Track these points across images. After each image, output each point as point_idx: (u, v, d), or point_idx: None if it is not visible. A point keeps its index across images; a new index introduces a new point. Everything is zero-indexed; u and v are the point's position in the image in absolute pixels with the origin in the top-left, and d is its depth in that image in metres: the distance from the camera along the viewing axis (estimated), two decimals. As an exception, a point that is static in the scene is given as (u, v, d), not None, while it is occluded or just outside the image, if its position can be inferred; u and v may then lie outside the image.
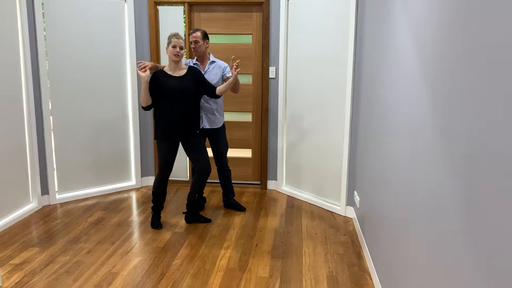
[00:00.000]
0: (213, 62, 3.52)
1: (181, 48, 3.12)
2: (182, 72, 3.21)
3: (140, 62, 3.11)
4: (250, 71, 4.29)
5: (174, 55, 3.11)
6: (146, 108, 3.16)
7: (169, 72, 3.18)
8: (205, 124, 3.54)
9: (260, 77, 4.28)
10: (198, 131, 3.30)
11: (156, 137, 3.24)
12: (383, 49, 2.53)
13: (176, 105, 3.15)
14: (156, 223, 3.37)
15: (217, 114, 3.57)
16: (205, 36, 3.44)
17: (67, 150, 3.93)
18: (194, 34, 3.41)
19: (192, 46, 3.42)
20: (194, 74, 3.24)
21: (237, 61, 3.18)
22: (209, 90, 3.26)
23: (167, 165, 3.27)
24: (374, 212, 2.66)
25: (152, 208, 3.41)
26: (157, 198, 3.37)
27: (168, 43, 3.13)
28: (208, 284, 2.54)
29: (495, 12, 1.04)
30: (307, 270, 2.73)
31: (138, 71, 3.08)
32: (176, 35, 3.12)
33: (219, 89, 3.26)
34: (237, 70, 3.17)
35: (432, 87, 1.54)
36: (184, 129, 3.21)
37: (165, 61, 4.29)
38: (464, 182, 1.21)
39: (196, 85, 3.23)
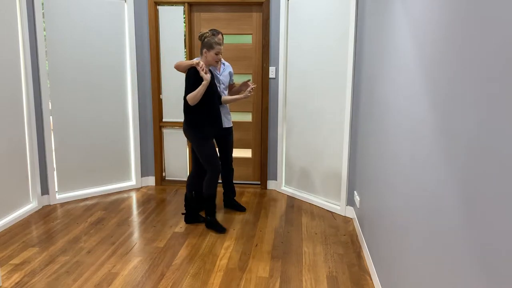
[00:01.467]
0: (223, 63, 3.61)
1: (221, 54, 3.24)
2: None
3: (200, 65, 3.07)
4: (250, 71, 4.29)
5: (216, 61, 3.19)
6: (191, 107, 3.17)
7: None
8: (225, 123, 3.62)
9: (260, 77, 4.28)
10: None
11: (204, 136, 3.19)
12: (383, 49, 2.53)
13: (215, 102, 3.24)
14: (221, 226, 3.32)
15: (229, 113, 3.69)
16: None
17: (67, 150, 3.93)
18: (221, 47, 3.42)
19: (218, 57, 3.45)
20: (212, 74, 3.35)
21: (254, 86, 3.34)
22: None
23: (218, 160, 3.29)
24: (374, 212, 2.66)
25: (210, 213, 3.33)
26: (214, 200, 3.33)
27: (210, 47, 3.14)
28: (208, 284, 2.54)
29: (495, 12, 1.04)
30: (307, 270, 2.73)
31: (203, 73, 3.05)
32: (219, 43, 3.17)
33: (225, 99, 3.41)
34: (251, 93, 3.32)
35: (432, 87, 1.54)
36: (220, 125, 3.31)
37: (165, 61, 4.29)
38: (464, 182, 1.21)
39: None
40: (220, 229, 3.29)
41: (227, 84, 3.59)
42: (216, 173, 3.26)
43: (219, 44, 3.18)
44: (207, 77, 3.05)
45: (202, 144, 3.20)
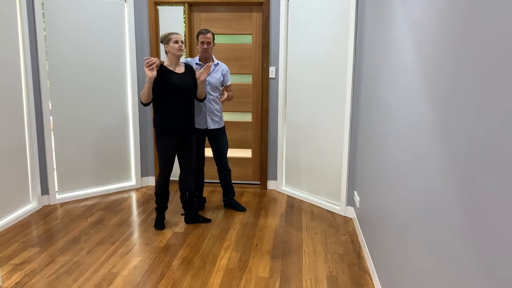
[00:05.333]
0: (217, 63, 3.53)
1: (183, 42, 3.14)
2: (182, 69, 3.22)
3: (148, 58, 3.01)
4: (250, 71, 4.29)
5: (179, 49, 3.11)
6: (146, 104, 3.12)
7: (170, 68, 3.16)
8: (210, 124, 3.54)
9: (260, 77, 4.28)
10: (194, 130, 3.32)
11: (158, 134, 3.17)
12: (383, 49, 2.53)
13: (180, 102, 3.14)
14: (159, 224, 3.35)
15: (219, 114, 3.58)
16: (214, 37, 3.47)
17: (67, 150, 3.93)
18: (207, 35, 3.39)
19: (204, 47, 3.41)
20: (191, 72, 3.27)
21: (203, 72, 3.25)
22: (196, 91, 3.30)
23: (169, 163, 3.24)
24: (374, 212, 2.66)
25: (156, 209, 3.40)
26: (161, 199, 3.35)
27: (168, 40, 3.10)
28: (208, 284, 2.54)
29: (495, 12, 1.04)
30: (307, 270, 2.73)
31: (146, 70, 2.99)
32: (175, 32, 3.13)
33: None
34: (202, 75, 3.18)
35: (432, 87, 1.54)
36: (187, 126, 3.22)
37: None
38: (464, 182, 1.21)
39: (194, 83, 3.25)
40: (159, 226, 3.33)
41: (216, 85, 3.49)
42: (161, 174, 3.26)
43: (175, 32, 3.13)
44: (149, 74, 2.99)
45: (159, 141, 3.18)
